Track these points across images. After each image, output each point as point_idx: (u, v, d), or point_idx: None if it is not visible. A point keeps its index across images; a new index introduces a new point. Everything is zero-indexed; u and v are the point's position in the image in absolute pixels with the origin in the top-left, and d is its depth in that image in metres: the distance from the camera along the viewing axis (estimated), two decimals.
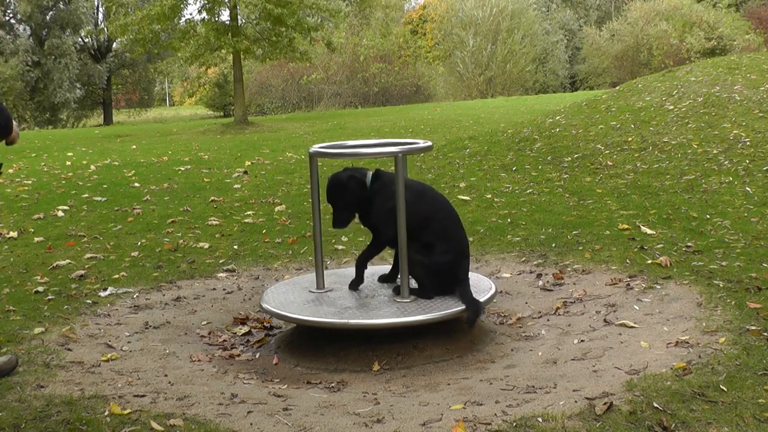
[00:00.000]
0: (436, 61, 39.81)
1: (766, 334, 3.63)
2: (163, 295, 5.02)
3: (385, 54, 35.20)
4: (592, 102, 12.90)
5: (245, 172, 10.28)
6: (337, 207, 4.17)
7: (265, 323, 4.59)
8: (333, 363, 3.90)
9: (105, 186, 9.56)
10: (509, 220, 6.71)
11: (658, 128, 10.16)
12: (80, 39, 38.74)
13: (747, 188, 7.18)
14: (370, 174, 4.20)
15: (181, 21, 21.57)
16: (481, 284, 4.36)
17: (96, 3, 39.74)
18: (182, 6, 20.64)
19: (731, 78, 11.94)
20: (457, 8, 37.96)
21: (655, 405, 2.94)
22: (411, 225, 4.04)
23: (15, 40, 34.29)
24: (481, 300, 4.07)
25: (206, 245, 6.29)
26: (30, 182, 9.98)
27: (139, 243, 6.42)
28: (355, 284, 4.34)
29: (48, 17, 35.90)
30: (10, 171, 11.11)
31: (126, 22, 20.00)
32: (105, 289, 5.01)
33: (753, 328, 3.71)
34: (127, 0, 21.47)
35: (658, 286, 4.56)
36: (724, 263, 4.88)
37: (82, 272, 5.46)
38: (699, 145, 9.12)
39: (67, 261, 5.81)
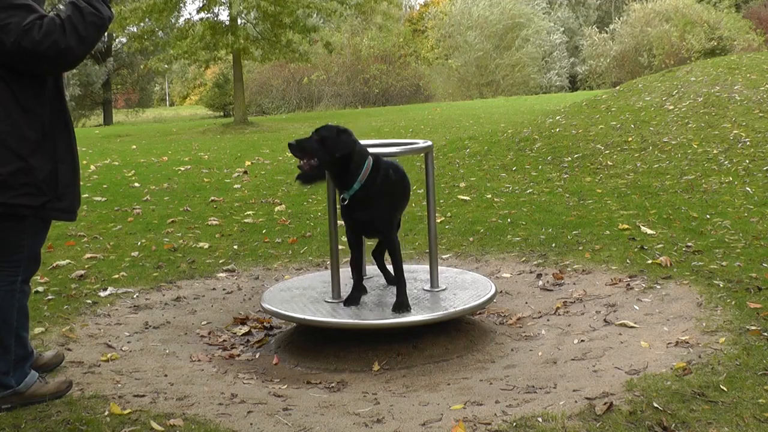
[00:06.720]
0: (436, 60, 39.80)
1: (766, 334, 3.63)
2: (163, 295, 5.02)
3: (386, 54, 35.21)
4: (592, 102, 12.89)
5: (245, 172, 10.29)
6: None
7: (265, 323, 4.59)
8: (333, 363, 3.90)
9: (105, 186, 9.56)
10: (509, 220, 6.71)
11: (658, 128, 10.15)
12: None
13: (747, 188, 7.18)
14: None
15: (179, 21, 21.51)
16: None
17: None
18: (179, 2, 20.53)
19: (731, 78, 11.93)
20: (462, 11, 37.91)
21: (655, 405, 2.94)
22: None
23: None
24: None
25: (206, 245, 6.29)
26: None
27: (139, 243, 6.42)
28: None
29: None
30: None
31: (119, 11, 19.67)
32: (105, 289, 5.01)
33: (753, 328, 3.71)
34: None
35: (658, 286, 4.56)
36: (724, 263, 4.88)
37: (82, 272, 5.46)
38: (699, 145, 9.12)
39: (67, 261, 5.80)
